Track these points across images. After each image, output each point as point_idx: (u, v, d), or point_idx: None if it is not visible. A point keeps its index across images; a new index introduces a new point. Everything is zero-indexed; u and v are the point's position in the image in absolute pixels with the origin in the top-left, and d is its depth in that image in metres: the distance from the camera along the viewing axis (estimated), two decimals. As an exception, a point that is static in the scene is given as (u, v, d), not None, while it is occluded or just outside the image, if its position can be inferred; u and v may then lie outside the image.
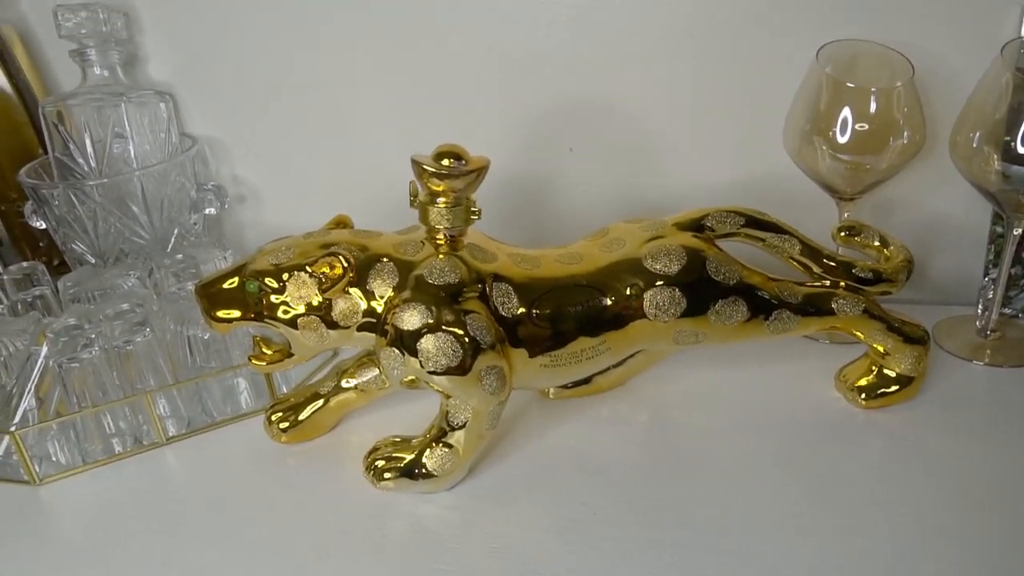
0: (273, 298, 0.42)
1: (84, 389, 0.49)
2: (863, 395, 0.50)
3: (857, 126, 0.52)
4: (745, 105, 0.62)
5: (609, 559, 0.39)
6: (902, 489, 0.43)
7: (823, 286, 0.48)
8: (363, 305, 0.43)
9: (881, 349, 0.49)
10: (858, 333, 0.48)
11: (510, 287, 0.43)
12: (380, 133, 0.68)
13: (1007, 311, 0.60)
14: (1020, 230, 0.53)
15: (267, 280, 0.42)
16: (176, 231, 0.66)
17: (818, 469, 0.45)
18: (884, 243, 0.50)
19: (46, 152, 0.63)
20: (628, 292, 0.45)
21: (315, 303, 0.42)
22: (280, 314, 0.42)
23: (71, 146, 0.61)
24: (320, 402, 0.51)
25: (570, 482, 0.45)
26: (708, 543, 0.40)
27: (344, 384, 0.51)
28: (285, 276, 0.42)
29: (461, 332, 0.41)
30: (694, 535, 0.40)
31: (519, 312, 0.43)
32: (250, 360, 0.45)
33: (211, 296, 0.43)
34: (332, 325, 0.43)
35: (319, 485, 0.47)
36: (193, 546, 0.42)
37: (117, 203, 0.61)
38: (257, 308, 0.42)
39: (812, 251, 0.48)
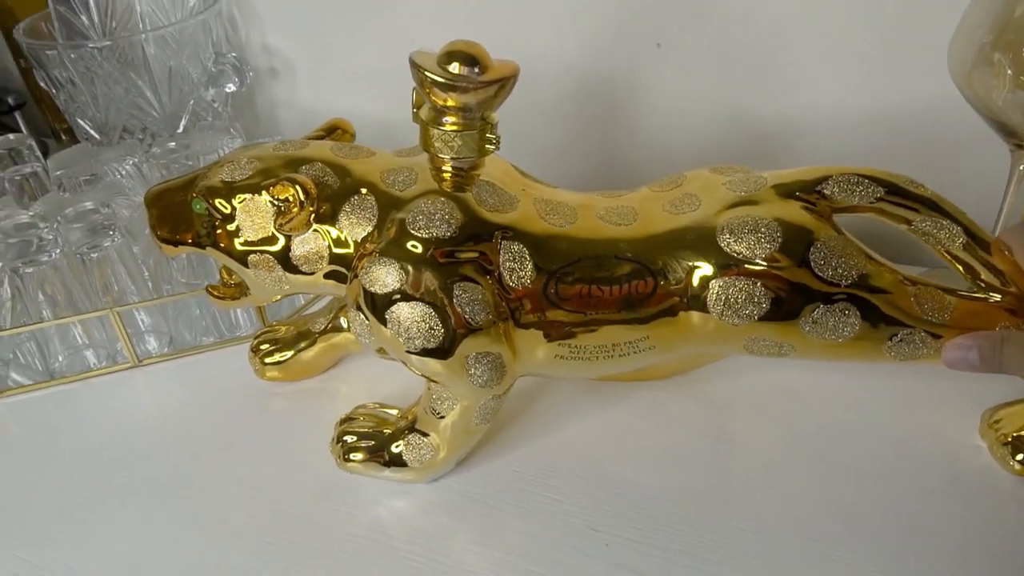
0: (227, 225, 0.36)
1: (54, 294, 0.47)
2: (1020, 456, 0.38)
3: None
4: (907, 9, 0.47)
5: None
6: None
7: (988, 299, 0.35)
8: (330, 248, 0.36)
9: (1060, 400, 0.36)
10: (1029, 373, 0.36)
11: (525, 249, 0.35)
12: (437, 12, 0.59)
13: None
14: None
15: (216, 202, 0.36)
16: (190, 108, 0.61)
17: (924, 544, 0.35)
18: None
19: (52, 2, 0.59)
20: (689, 276, 0.35)
21: (270, 237, 0.36)
22: (231, 245, 0.36)
23: (71, -3, 0.56)
24: (307, 343, 0.46)
25: (586, 497, 0.38)
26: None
27: (341, 323, 0.46)
28: (237, 199, 0.36)
29: (444, 305, 0.33)
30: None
31: (533, 284, 0.35)
32: (207, 289, 0.40)
33: (161, 209, 0.38)
34: (291, 268, 0.36)
35: (288, 442, 0.43)
36: (128, 488, 0.40)
37: (122, 70, 0.56)
38: (204, 234, 0.36)
39: (982, 246, 0.35)
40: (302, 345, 0.46)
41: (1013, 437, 0.38)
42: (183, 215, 0.37)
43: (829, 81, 0.52)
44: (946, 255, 0.36)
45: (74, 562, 0.37)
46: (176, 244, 0.37)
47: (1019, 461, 0.38)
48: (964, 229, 0.35)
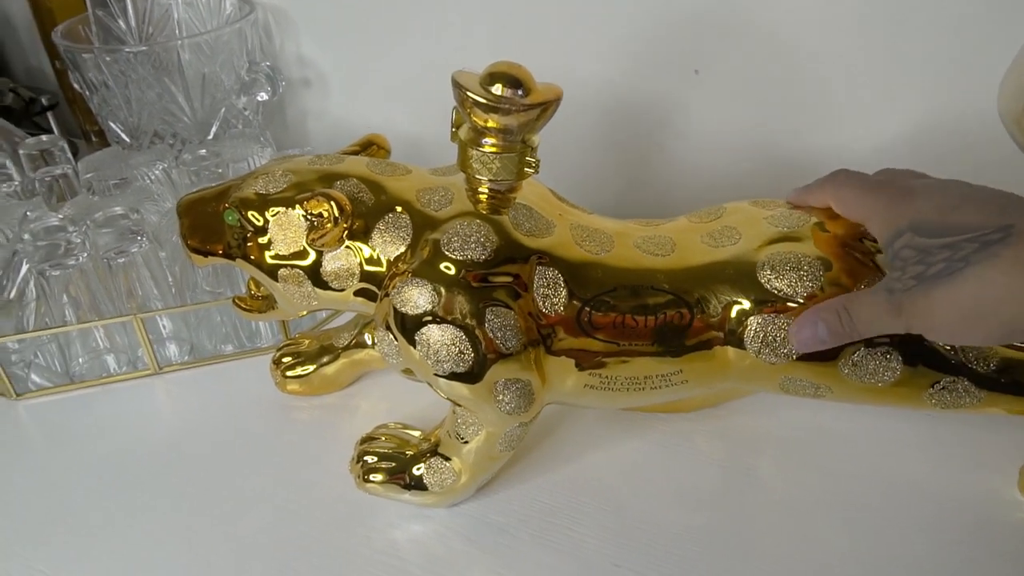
0: (258, 238, 0.36)
1: (78, 296, 0.47)
2: (1059, 511, 0.37)
3: None
4: (954, 38, 0.46)
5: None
6: None
7: (1036, 349, 0.35)
8: (361, 265, 0.35)
9: (1107, 456, 0.35)
10: (1075, 426, 0.35)
11: (559, 275, 0.34)
12: (475, 31, 0.59)
13: None
14: None
15: (249, 214, 0.36)
16: (221, 115, 0.61)
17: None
18: None
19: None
20: (726, 311, 0.34)
21: (301, 252, 0.35)
22: (261, 258, 0.36)
23: (111, 2, 0.57)
24: (329, 357, 0.46)
25: (607, 530, 0.38)
26: None
27: (365, 339, 0.45)
28: (271, 212, 0.35)
29: (476, 330, 0.33)
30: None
31: (566, 311, 0.34)
32: (233, 301, 0.40)
33: (193, 218, 0.38)
34: (321, 284, 0.36)
35: (308, 456, 0.43)
36: (143, 496, 0.40)
37: (156, 75, 0.57)
38: (236, 245, 0.36)
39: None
40: (325, 360, 0.46)
41: (1054, 492, 0.37)
42: (215, 226, 0.37)
43: (870, 115, 0.51)
44: (992, 301, 0.35)
45: (86, 572, 0.37)
46: (206, 254, 0.37)
47: (1060, 517, 0.37)
48: (1012, 275, 0.35)
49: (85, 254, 0.45)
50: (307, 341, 0.47)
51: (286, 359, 0.46)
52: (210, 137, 0.61)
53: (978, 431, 0.42)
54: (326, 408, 0.46)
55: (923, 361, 0.34)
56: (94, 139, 0.73)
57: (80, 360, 0.49)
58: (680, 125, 0.56)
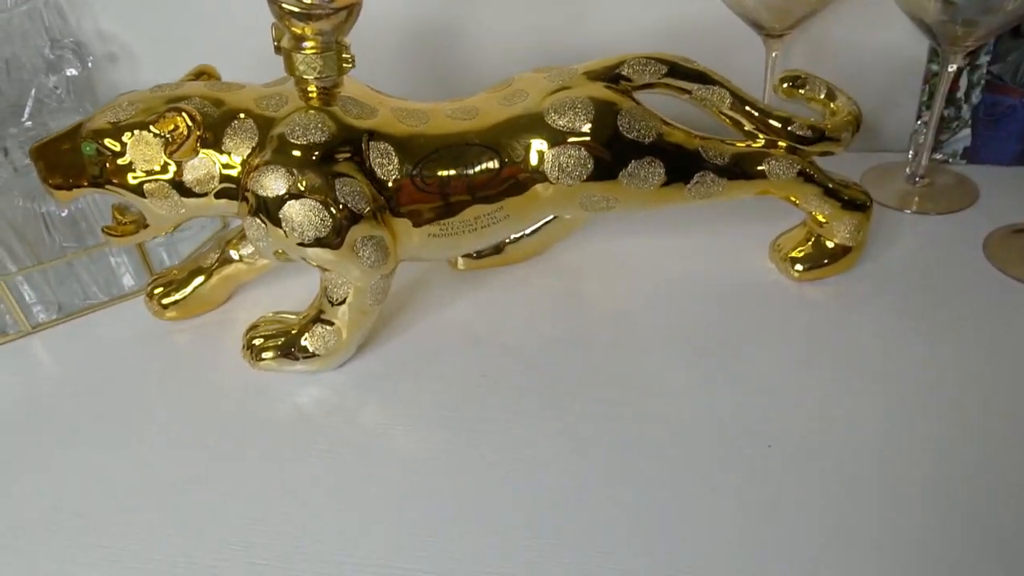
0: (117, 161, 0.41)
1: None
2: (797, 266, 0.50)
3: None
4: None
5: (509, 435, 0.41)
6: (821, 367, 0.44)
7: (753, 144, 0.47)
8: (219, 169, 0.42)
9: (820, 218, 0.49)
10: (794, 199, 0.49)
11: (389, 146, 0.43)
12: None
13: (937, 156, 0.63)
14: (955, 67, 0.53)
15: (106, 141, 0.41)
16: (33, 95, 0.63)
17: (737, 341, 0.47)
18: (831, 96, 0.49)
19: None
20: (528, 152, 0.44)
21: (162, 167, 0.41)
22: (124, 180, 0.41)
23: None
24: (203, 277, 0.51)
25: (473, 353, 0.47)
26: (616, 412, 0.42)
27: (230, 255, 0.51)
28: (126, 136, 0.41)
29: (329, 198, 0.40)
30: (605, 407, 0.43)
31: (400, 176, 0.43)
32: (103, 230, 0.45)
33: (48, 160, 0.42)
34: (186, 192, 0.42)
35: (200, 367, 0.48)
36: (67, 444, 0.43)
37: (-44, 61, 0.58)
38: (98, 173, 0.41)
39: (744, 104, 0.47)
40: (198, 281, 0.51)
41: (792, 255, 0.51)
42: (73, 160, 0.42)
43: (628, 5, 0.63)
44: (720, 115, 0.48)
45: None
46: (70, 188, 0.42)
47: (797, 270, 0.50)
48: (730, 92, 0.47)
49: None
50: (175, 271, 0.52)
51: (159, 290, 0.51)
52: (24, 118, 0.63)
53: (741, 226, 0.55)
54: (207, 325, 0.51)
55: (678, 163, 0.45)
56: None
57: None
58: (471, 34, 0.65)
